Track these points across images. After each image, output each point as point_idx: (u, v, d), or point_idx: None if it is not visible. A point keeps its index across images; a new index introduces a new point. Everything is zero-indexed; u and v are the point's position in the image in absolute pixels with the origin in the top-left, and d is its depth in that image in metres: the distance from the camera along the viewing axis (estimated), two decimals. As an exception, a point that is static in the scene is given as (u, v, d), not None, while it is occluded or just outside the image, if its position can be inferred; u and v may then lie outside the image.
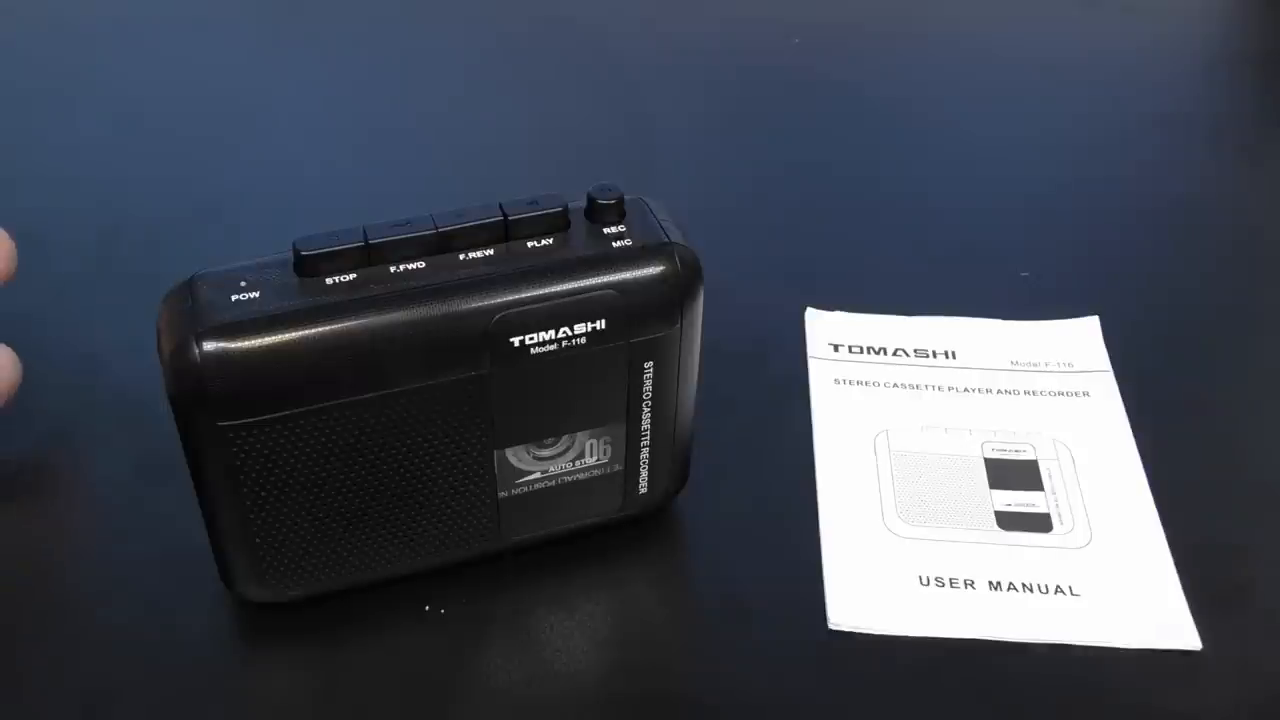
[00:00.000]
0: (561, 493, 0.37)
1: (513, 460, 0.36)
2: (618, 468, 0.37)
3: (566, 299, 0.33)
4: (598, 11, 0.68)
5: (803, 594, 0.38)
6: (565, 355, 0.34)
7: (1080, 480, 0.42)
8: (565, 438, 0.36)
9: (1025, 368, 0.46)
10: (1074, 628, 0.37)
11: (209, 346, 0.31)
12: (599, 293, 0.33)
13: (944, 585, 0.38)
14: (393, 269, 0.32)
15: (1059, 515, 0.41)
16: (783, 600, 0.38)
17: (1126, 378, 0.45)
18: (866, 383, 0.45)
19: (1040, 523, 0.40)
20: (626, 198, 0.35)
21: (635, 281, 0.34)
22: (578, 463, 0.37)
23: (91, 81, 0.62)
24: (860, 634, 0.37)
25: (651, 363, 0.35)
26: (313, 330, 0.31)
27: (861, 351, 0.47)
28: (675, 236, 0.35)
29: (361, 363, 0.32)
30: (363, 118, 0.60)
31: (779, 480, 0.42)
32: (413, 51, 0.65)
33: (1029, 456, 0.43)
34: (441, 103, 0.61)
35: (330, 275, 0.32)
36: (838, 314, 0.48)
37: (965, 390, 0.45)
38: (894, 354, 0.47)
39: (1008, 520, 0.40)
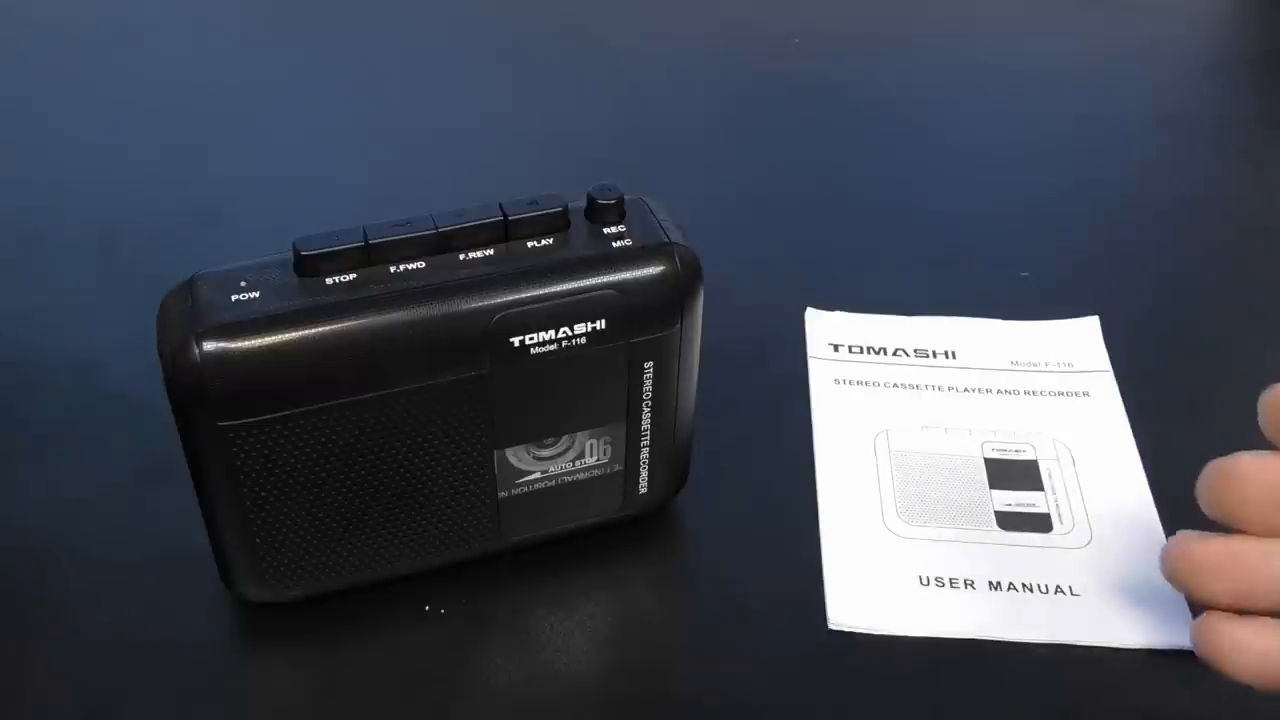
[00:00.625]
0: (561, 493, 0.37)
1: (513, 460, 0.36)
2: (618, 468, 0.37)
3: (566, 299, 0.33)
4: (598, 12, 0.68)
5: (803, 594, 0.38)
6: (565, 355, 0.34)
7: (1080, 480, 0.42)
8: (565, 438, 0.36)
9: (1025, 368, 0.46)
10: (1074, 628, 0.37)
11: (209, 346, 0.31)
12: (599, 293, 0.33)
13: (944, 585, 0.38)
14: (393, 269, 0.32)
15: (1059, 515, 0.41)
16: (783, 600, 0.38)
17: (1126, 378, 0.45)
18: (866, 383, 0.45)
19: (1040, 523, 0.40)
20: (626, 198, 0.35)
21: (635, 281, 0.34)
22: (578, 463, 0.37)
23: (91, 81, 0.62)
24: (860, 634, 0.37)
25: (651, 363, 0.35)
26: (313, 330, 0.31)
27: (861, 351, 0.47)
28: (675, 236, 0.35)
29: (361, 363, 0.32)
30: (363, 118, 0.60)
31: (779, 480, 0.42)
32: (413, 51, 0.65)
33: (1029, 456, 0.43)
34: (441, 103, 0.61)
35: (330, 275, 0.32)
36: (838, 314, 0.48)
37: (965, 390, 0.45)
38: (894, 354, 0.47)
39: (1008, 520, 0.40)
